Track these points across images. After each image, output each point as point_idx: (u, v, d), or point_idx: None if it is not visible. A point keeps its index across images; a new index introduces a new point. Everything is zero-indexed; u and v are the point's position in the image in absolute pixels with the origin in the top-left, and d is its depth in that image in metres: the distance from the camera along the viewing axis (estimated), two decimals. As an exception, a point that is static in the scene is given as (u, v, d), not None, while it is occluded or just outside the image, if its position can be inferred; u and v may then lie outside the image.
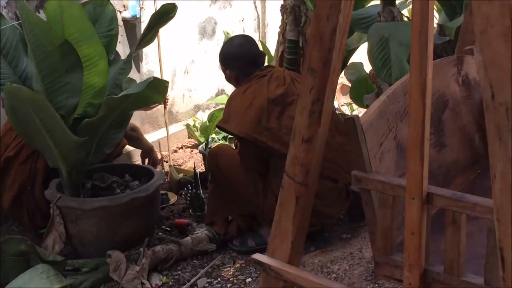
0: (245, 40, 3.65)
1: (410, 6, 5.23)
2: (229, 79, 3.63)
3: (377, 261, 2.12)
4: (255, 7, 6.11)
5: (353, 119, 2.08)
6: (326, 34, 1.94)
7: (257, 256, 2.26)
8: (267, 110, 3.32)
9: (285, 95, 3.39)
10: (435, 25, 3.84)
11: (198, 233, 3.59)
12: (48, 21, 3.08)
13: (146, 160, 4.31)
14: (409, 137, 1.80)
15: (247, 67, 3.51)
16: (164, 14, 3.34)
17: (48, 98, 3.10)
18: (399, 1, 4.36)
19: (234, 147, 3.89)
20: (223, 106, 5.03)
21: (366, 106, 4.23)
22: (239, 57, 3.52)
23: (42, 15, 3.74)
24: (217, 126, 3.52)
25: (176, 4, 3.37)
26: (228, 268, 3.38)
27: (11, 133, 3.65)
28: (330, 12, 1.91)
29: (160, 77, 4.76)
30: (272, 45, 5.73)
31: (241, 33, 5.89)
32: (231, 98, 3.49)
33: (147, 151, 4.30)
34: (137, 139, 4.21)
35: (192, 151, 5.23)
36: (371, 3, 4.53)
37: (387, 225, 2.07)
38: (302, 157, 2.10)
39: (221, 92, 5.80)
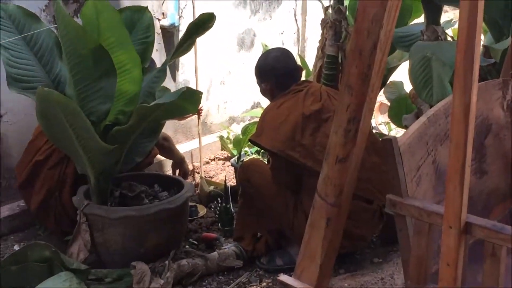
0: (282, 53, 3.56)
1: (455, 26, 5.13)
2: (264, 92, 3.55)
3: (410, 291, 2.02)
4: (296, 20, 6.05)
5: (390, 140, 1.99)
6: (366, 50, 1.86)
7: (284, 277, 2.18)
8: (301, 126, 3.24)
9: (321, 111, 3.30)
10: (481, 47, 3.72)
11: (225, 248, 3.51)
12: (83, 25, 3.05)
13: (177, 171, 4.26)
14: (449, 162, 1.70)
15: (283, 81, 3.43)
16: (202, 24, 3.29)
17: (80, 104, 3.06)
18: (444, 20, 4.25)
19: (266, 162, 3.81)
20: (258, 119, 4.99)
21: (405, 127, 4.13)
22: (275, 70, 3.44)
23: (80, 19, 3.72)
24: (250, 140, 3.44)
25: (214, 14, 3.31)
26: (255, 287, 3.29)
27: (42, 137, 3.63)
28: (372, 27, 1.83)
29: (195, 87, 4.73)
30: (310, 59, 5.66)
31: (280, 46, 5.83)
32: (265, 112, 3.41)
33: (178, 161, 4.25)
34: (168, 149, 4.15)
35: (224, 163, 5.16)
36: (414, 21, 4.43)
37: (422, 254, 1.97)
38: (335, 177, 2.01)
39: (256, 105, 5.73)
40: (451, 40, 3.78)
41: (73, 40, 2.98)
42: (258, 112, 5.42)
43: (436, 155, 2.21)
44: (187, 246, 3.63)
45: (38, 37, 3.29)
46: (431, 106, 3.59)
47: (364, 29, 1.83)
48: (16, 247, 3.69)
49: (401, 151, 1.99)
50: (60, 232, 3.66)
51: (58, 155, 3.58)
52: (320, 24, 4.24)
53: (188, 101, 3.09)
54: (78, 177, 3.52)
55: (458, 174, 1.69)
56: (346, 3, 4.29)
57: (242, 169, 3.50)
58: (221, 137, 5.26)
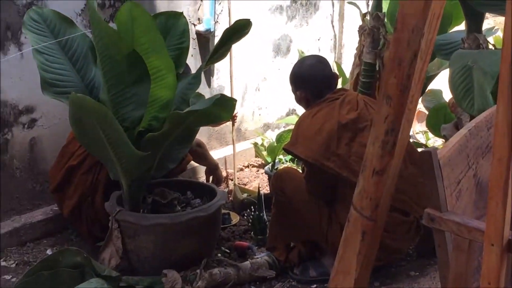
0: (318, 61, 3.50)
1: (497, 34, 5.02)
2: (299, 100, 3.49)
3: (448, 309, 1.95)
4: (333, 26, 5.98)
5: (429, 153, 1.92)
6: (405, 60, 1.79)
7: (317, 292, 2.12)
8: (337, 135, 3.17)
9: (357, 120, 3.23)
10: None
11: (258, 257, 3.47)
12: (118, 31, 3.03)
13: (211, 178, 4.23)
14: (491, 176, 1.63)
15: (318, 89, 3.37)
16: (238, 30, 3.25)
17: (113, 109, 3.05)
18: (485, 28, 4.15)
19: (301, 171, 3.76)
20: (293, 126, 4.93)
21: (443, 136, 4.04)
22: (310, 78, 3.38)
23: (115, 24, 3.72)
24: (284, 149, 3.38)
25: (250, 20, 3.27)
26: (287, 297, 3.25)
27: (76, 142, 3.63)
28: (412, 36, 1.76)
29: (230, 93, 4.70)
30: (347, 66, 5.59)
31: (317, 52, 5.77)
32: (300, 121, 3.35)
33: (212, 168, 4.21)
34: (202, 156, 4.12)
35: (258, 170, 5.11)
36: (455, 29, 4.34)
37: (461, 270, 1.90)
38: (372, 190, 1.95)
39: (291, 112, 5.68)
40: (493, 49, 3.68)
41: (108, 45, 2.97)
42: (293, 119, 5.36)
43: (477, 168, 2.13)
44: (219, 255, 3.59)
45: (73, 41, 3.29)
46: (471, 116, 3.51)
47: (404, 39, 1.77)
48: (49, 251, 3.70)
49: (441, 164, 1.92)
50: (92, 237, 3.65)
51: (92, 161, 3.57)
52: (358, 31, 4.18)
53: (222, 108, 3.05)
54: (110, 182, 3.51)
55: (501, 190, 1.62)
56: (384, 9, 4.22)
57: (276, 178, 3.45)
58: (255, 144, 5.21)
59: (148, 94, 3.07)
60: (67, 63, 3.27)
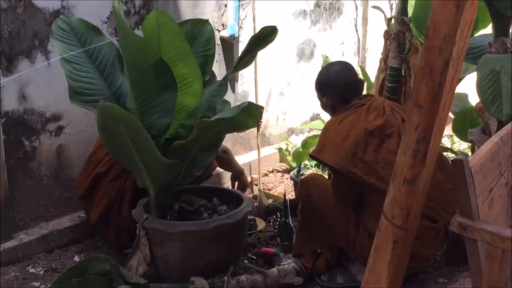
0: (344, 67, 3.48)
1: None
2: (325, 107, 3.48)
3: (481, 319, 1.93)
4: (356, 30, 5.96)
5: (461, 161, 1.90)
6: (437, 68, 1.78)
7: (348, 301, 2.10)
8: (364, 141, 3.15)
9: (384, 126, 3.21)
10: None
11: (285, 264, 3.45)
12: (145, 38, 3.04)
13: (236, 184, 4.22)
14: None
15: (345, 95, 3.35)
16: (264, 37, 3.25)
17: (140, 117, 3.06)
18: (512, 31, 4.11)
19: (327, 177, 3.74)
20: (317, 131, 4.91)
21: (470, 141, 4.00)
22: (337, 84, 3.37)
23: (141, 32, 3.73)
24: (311, 156, 3.37)
25: (276, 27, 3.27)
26: (314, 304, 3.24)
27: (103, 149, 3.65)
28: (444, 44, 1.75)
29: (255, 99, 4.69)
30: (371, 70, 5.56)
31: (340, 56, 5.76)
32: (327, 127, 3.34)
33: (238, 174, 4.21)
34: (228, 162, 4.12)
35: (283, 175, 5.10)
36: (480, 32, 4.30)
37: (494, 280, 1.89)
38: (403, 199, 1.94)
39: (315, 117, 5.66)
40: (521, 53, 3.64)
41: (135, 54, 2.98)
42: (317, 124, 5.35)
43: (509, 176, 2.11)
44: (245, 261, 3.59)
45: (100, 50, 3.31)
46: (499, 121, 3.48)
47: (435, 47, 1.76)
48: (76, 258, 3.72)
49: (473, 172, 1.90)
50: (119, 244, 3.66)
51: (119, 168, 3.59)
52: (383, 35, 4.16)
53: (249, 116, 3.05)
54: (137, 190, 3.52)
55: (536, 199, 1.60)
56: (409, 14, 4.20)
57: (302, 185, 3.43)
58: (280, 149, 5.20)
59: (175, 102, 3.07)
60: (95, 71, 3.29)
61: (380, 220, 2.00)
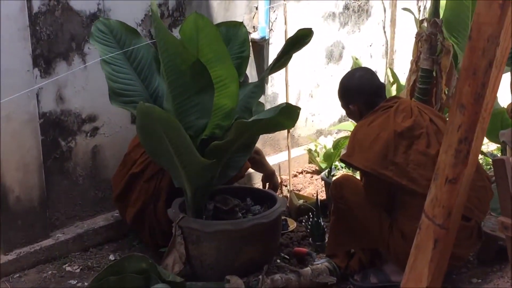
0: (366, 72, 3.50)
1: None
2: (352, 114, 3.48)
3: (522, 317, 1.95)
4: (384, 32, 5.97)
5: (502, 161, 1.94)
6: (480, 69, 1.81)
7: (388, 300, 2.13)
8: (394, 144, 3.16)
9: (413, 128, 3.22)
10: None
11: (318, 264, 3.48)
12: (182, 41, 3.09)
13: (267, 185, 4.25)
14: None
15: (370, 100, 3.36)
16: (300, 39, 3.29)
17: (177, 118, 3.11)
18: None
19: (359, 178, 3.76)
20: (346, 132, 4.93)
21: (502, 142, 4.01)
22: (362, 90, 3.38)
23: (175, 34, 3.78)
24: (341, 160, 3.39)
25: (312, 30, 3.30)
26: (347, 304, 3.26)
27: (138, 150, 3.69)
28: (487, 45, 1.78)
29: (285, 101, 4.72)
30: (399, 72, 5.57)
31: (369, 58, 5.77)
32: (356, 131, 3.34)
33: (269, 175, 4.23)
34: (260, 162, 4.15)
35: (312, 176, 5.13)
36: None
37: (535, 279, 1.90)
38: (444, 198, 1.96)
39: (344, 119, 5.67)
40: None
41: (172, 56, 3.02)
42: (346, 125, 5.37)
43: (549, 176, 2.13)
44: (279, 261, 3.62)
45: (137, 52, 3.36)
46: (531, 123, 3.49)
47: (479, 48, 1.79)
48: (112, 257, 3.78)
49: (514, 172, 1.93)
50: (154, 244, 3.71)
51: (154, 168, 3.63)
52: (415, 37, 4.17)
53: (287, 117, 3.08)
54: (172, 190, 3.56)
55: None
56: (441, 15, 4.21)
57: (335, 186, 3.45)
58: (309, 150, 5.23)
59: (212, 103, 3.12)
60: (133, 73, 3.35)
61: (421, 218, 2.03)
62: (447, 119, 3.34)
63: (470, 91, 1.84)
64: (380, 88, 3.45)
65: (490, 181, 3.35)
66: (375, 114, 3.32)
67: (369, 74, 3.49)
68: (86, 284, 3.46)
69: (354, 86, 3.42)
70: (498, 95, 4.80)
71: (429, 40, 4.01)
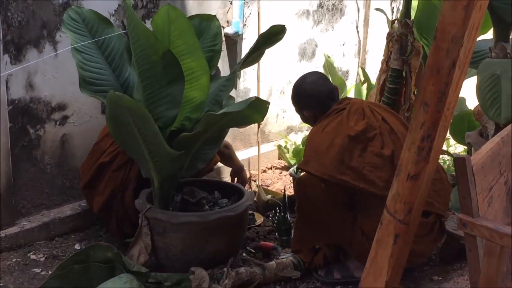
0: (318, 77, 3.51)
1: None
2: (306, 120, 3.52)
3: (477, 313, 1.99)
4: (357, 32, 6.03)
5: (463, 159, 1.97)
6: (444, 68, 1.84)
7: (348, 293, 2.16)
8: (349, 148, 3.18)
9: (366, 130, 3.23)
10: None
11: (283, 258, 3.51)
12: (154, 32, 3.09)
13: (235, 179, 4.27)
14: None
15: (324, 104, 3.39)
16: (272, 36, 3.30)
17: (147, 109, 3.10)
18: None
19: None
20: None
21: (468, 144, 4.08)
22: (315, 95, 3.40)
23: (148, 25, 3.77)
24: (299, 168, 3.40)
25: (285, 26, 3.32)
26: (311, 299, 3.29)
27: (108, 139, 3.69)
28: (451, 45, 1.81)
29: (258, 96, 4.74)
30: (370, 72, 5.63)
31: (341, 57, 5.83)
32: (311, 137, 3.35)
33: (238, 170, 4.25)
34: (229, 157, 4.17)
35: (281, 172, 5.17)
36: (481, 37, 4.36)
37: (492, 275, 1.95)
38: (406, 194, 1.99)
39: (315, 116, 5.72)
40: (521, 59, 3.71)
41: (144, 46, 3.02)
42: (317, 122, 5.41)
43: (509, 176, 2.18)
44: (244, 254, 3.64)
45: (109, 41, 3.36)
46: (496, 125, 3.55)
47: (443, 48, 1.82)
48: (77, 246, 3.77)
49: (474, 170, 1.97)
50: (121, 233, 3.72)
51: (123, 158, 3.64)
52: (386, 37, 4.22)
53: (256, 111, 3.10)
54: (140, 180, 3.57)
55: (536, 198, 1.66)
56: (412, 16, 4.26)
57: (298, 184, 3.46)
58: (279, 146, 5.27)
59: (182, 95, 3.12)
60: (104, 62, 3.35)
61: (382, 214, 2.06)
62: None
63: (433, 90, 1.87)
64: (332, 92, 3.45)
65: (445, 173, 3.40)
66: (328, 118, 3.34)
67: (320, 79, 3.50)
68: (50, 272, 3.45)
69: (306, 92, 3.44)
70: (465, 97, 4.90)
71: (400, 40, 4.07)
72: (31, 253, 3.68)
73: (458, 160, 1.97)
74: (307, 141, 3.39)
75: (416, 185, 1.98)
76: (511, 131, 2.25)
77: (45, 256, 3.66)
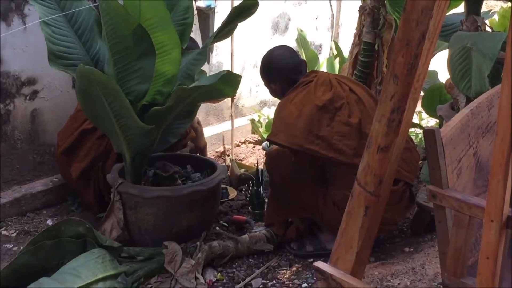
0: (285, 50, 3.54)
1: (494, 17, 5.07)
2: (274, 93, 3.54)
3: (446, 283, 2.02)
4: (330, 6, 6.02)
5: (433, 131, 1.98)
6: (413, 40, 1.84)
7: (319, 264, 2.17)
8: (317, 118, 3.20)
9: (333, 100, 3.26)
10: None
11: (256, 231, 3.53)
12: (125, 5, 3.05)
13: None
14: (494, 156, 1.68)
15: (291, 76, 3.41)
16: (245, 10, 3.28)
17: (118, 83, 3.08)
18: (483, 11, 4.20)
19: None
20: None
21: (439, 117, 4.10)
22: (283, 68, 3.42)
23: (119, -1, 3.73)
24: (268, 140, 3.41)
25: (258, 0, 3.30)
26: (284, 271, 3.31)
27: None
28: (421, 17, 1.81)
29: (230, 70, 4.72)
30: (344, 45, 5.63)
31: (314, 31, 5.81)
32: (279, 109, 3.37)
33: (201, 147, 4.26)
34: (201, 134, 4.17)
35: (254, 146, 5.17)
36: (453, 11, 4.38)
37: (460, 246, 1.97)
38: (376, 166, 2.00)
39: (288, 90, 5.72)
40: (491, 31, 3.73)
41: (114, 20, 2.98)
42: (290, 96, 5.41)
43: (478, 147, 2.19)
44: (217, 228, 3.65)
45: (79, 15, 3.31)
46: (467, 98, 3.57)
47: (413, 19, 1.81)
48: (49, 222, 3.75)
49: (444, 142, 1.98)
50: (98, 204, 3.70)
51: None
52: (358, 10, 4.22)
53: (227, 85, 3.09)
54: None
55: (502, 168, 1.67)
56: (384, -10, 4.26)
57: (269, 158, 3.49)
58: (252, 121, 5.26)
59: (153, 69, 3.10)
60: (73, 35, 3.30)
61: (353, 186, 2.07)
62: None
63: (403, 61, 1.87)
64: (299, 64, 3.48)
65: (413, 142, 3.44)
66: (296, 90, 3.36)
67: (287, 51, 3.52)
68: (22, 248, 3.43)
69: (274, 65, 3.46)
70: (437, 71, 4.91)
71: (372, 13, 4.07)
72: (3, 228, 3.66)
73: (427, 132, 1.98)
74: (276, 113, 3.40)
75: (386, 157, 1.98)
76: (480, 103, 2.27)
77: (17, 231, 3.64)
